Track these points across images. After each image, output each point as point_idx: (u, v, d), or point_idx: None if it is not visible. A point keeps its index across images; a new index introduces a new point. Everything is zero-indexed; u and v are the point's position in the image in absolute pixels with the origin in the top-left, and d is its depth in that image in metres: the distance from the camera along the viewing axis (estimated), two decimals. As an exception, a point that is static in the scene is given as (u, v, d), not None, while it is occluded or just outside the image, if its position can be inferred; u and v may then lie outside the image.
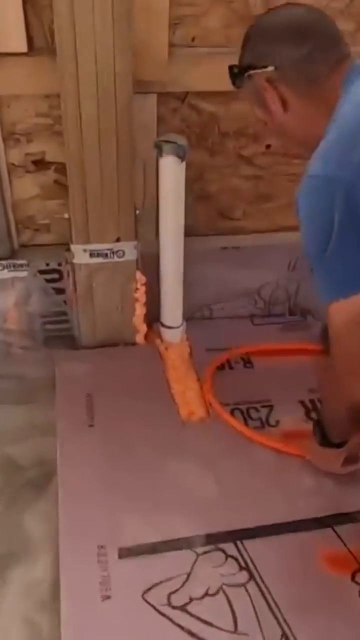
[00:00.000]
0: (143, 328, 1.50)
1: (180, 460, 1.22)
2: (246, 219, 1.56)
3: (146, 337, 1.52)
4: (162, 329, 1.54)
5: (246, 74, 0.98)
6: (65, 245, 1.46)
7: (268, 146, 1.45)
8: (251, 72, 0.96)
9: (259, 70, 0.95)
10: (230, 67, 1.02)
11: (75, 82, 1.15)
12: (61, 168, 1.37)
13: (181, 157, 1.26)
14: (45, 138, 1.34)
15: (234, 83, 1.03)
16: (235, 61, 0.99)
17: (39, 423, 1.35)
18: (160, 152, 1.26)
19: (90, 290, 1.40)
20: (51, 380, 1.43)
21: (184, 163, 1.28)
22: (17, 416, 1.36)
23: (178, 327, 1.53)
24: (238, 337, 1.57)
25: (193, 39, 1.29)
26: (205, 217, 1.52)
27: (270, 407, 1.36)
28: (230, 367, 1.48)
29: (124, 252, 1.36)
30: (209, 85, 1.32)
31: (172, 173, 1.29)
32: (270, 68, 0.93)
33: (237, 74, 1.00)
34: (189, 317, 1.56)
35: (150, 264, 1.41)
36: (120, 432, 1.27)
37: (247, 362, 1.49)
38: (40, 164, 1.37)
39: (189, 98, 1.35)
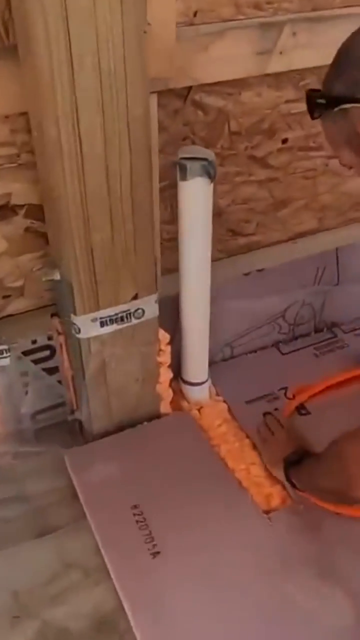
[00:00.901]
0: (169, 395, 1.17)
1: (292, 575, 0.94)
2: (260, 232, 1.26)
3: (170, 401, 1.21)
4: (186, 387, 1.23)
5: (338, 108, 0.71)
6: (48, 309, 1.09)
7: (285, 140, 1.16)
8: (347, 105, 0.71)
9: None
10: (312, 93, 0.76)
11: (66, 88, 0.77)
12: (35, 211, 0.99)
13: (211, 177, 0.94)
14: (9, 174, 0.95)
15: (312, 113, 0.76)
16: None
17: (75, 560, 0.99)
18: (184, 174, 0.93)
19: (103, 366, 1.05)
20: (69, 492, 1.07)
21: (212, 184, 0.95)
22: (42, 557, 0.99)
23: (206, 382, 1.22)
24: (274, 376, 1.29)
25: (195, 14, 0.95)
26: (214, 237, 1.20)
27: None
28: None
29: (143, 311, 1.02)
30: (220, 74, 0.99)
31: (200, 199, 0.96)
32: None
33: (324, 104, 0.74)
34: (209, 362, 1.25)
35: (162, 305, 1.07)
36: (198, 554, 0.95)
37: (300, 407, 1.22)
38: (3, 210, 0.98)
39: (192, 94, 1.02)
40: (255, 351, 1.35)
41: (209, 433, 1.16)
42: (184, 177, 0.93)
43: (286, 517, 1.01)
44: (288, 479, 1.01)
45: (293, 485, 1.01)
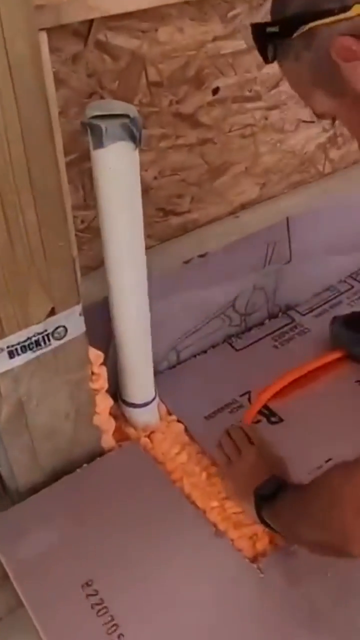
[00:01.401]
0: (110, 425, 0.93)
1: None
2: (197, 209, 1.03)
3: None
4: (129, 410, 0.98)
5: (298, 31, 0.55)
6: None
7: (216, 90, 0.92)
8: (311, 25, 0.54)
9: (329, 19, 0.53)
10: (260, 26, 0.58)
11: None
12: None
13: (136, 140, 0.69)
14: None
15: (266, 53, 0.59)
16: None
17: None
18: (98, 139, 0.67)
19: (20, 408, 0.79)
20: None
21: (137, 150, 0.71)
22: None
23: (153, 400, 0.99)
24: (232, 379, 1.07)
25: None
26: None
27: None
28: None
29: (65, 329, 0.76)
30: (128, 2, 0.74)
31: (124, 170, 0.71)
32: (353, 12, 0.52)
33: (279, 34, 0.56)
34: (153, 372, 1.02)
35: (87, 314, 0.82)
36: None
37: (269, 414, 1.01)
38: None
39: (95, 32, 0.76)
40: (205, 351, 1.13)
41: (166, 465, 0.93)
42: (99, 144, 0.67)
43: (280, 562, 0.80)
44: (260, 518, 0.78)
45: (267, 526, 0.78)
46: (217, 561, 0.80)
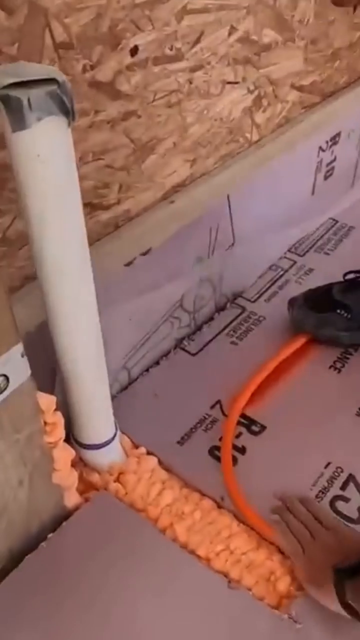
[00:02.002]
0: (73, 479, 0.74)
1: None
2: (127, 198, 0.85)
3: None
4: (88, 453, 0.80)
5: None
6: None
7: (134, 50, 0.75)
8: None
9: None
10: None
11: None
12: None
13: (70, 113, 0.51)
14: None
15: None
16: None
17: None
18: (18, 116, 0.48)
19: None
20: None
21: (70, 128, 0.52)
22: None
23: (115, 436, 0.81)
24: (196, 389, 0.92)
25: None
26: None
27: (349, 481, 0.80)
28: (237, 449, 0.84)
29: (6, 379, 0.57)
30: None
31: (58, 156, 0.53)
32: None
33: None
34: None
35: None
36: None
37: (248, 423, 0.88)
38: None
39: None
40: (158, 362, 0.97)
41: (148, 512, 0.76)
42: (19, 123, 0.48)
43: (312, 606, 0.67)
44: (341, 599, 0.61)
45: (350, 610, 0.60)
46: (243, 620, 0.66)
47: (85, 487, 0.80)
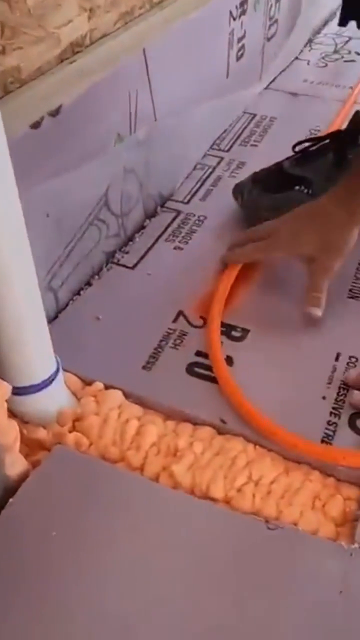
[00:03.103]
0: (13, 434, 0.50)
1: None
2: (12, 47, 0.61)
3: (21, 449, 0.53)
4: (26, 401, 0.56)
5: None
6: None
7: None
8: None
9: None
10: None
11: None
12: None
13: None
14: None
15: None
16: None
17: None
18: None
19: None
20: None
21: None
22: None
23: (58, 372, 0.58)
24: (147, 307, 0.71)
25: None
26: None
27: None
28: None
29: None
30: None
31: None
32: None
33: None
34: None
35: None
36: None
37: (227, 330, 0.67)
38: None
39: None
40: (90, 283, 0.74)
41: (128, 460, 0.54)
42: None
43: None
44: None
45: None
46: (304, 567, 0.46)
47: (31, 449, 0.56)
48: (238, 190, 0.83)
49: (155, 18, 0.82)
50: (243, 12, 0.99)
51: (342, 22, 0.96)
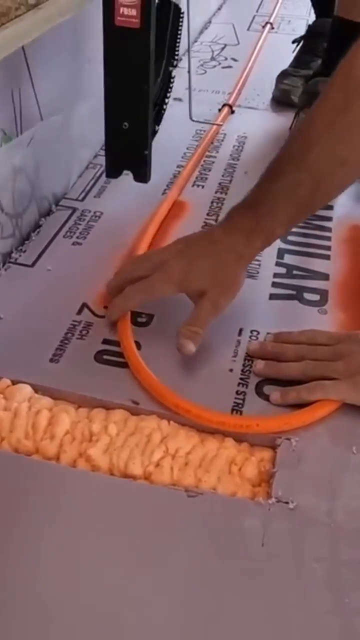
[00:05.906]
0: None
1: None
2: None
3: None
4: None
5: None
6: None
7: None
8: None
9: None
10: None
11: None
12: None
13: None
14: None
15: None
16: None
17: None
18: None
19: None
20: None
21: None
22: None
23: None
24: (50, 301, 0.70)
25: None
26: None
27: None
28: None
29: None
30: None
31: None
32: None
33: None
34: None
35: None
36: None
37: (132, 316, 0.68)
38: None
39: None
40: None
41: (43, 450, 0.53)
42: None
43: (288, 481, 0.51)
44: None
45: None
46: (224, 528, 0.47)
47: None
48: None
49: (34, 18, 0.82)
50: None
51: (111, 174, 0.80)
